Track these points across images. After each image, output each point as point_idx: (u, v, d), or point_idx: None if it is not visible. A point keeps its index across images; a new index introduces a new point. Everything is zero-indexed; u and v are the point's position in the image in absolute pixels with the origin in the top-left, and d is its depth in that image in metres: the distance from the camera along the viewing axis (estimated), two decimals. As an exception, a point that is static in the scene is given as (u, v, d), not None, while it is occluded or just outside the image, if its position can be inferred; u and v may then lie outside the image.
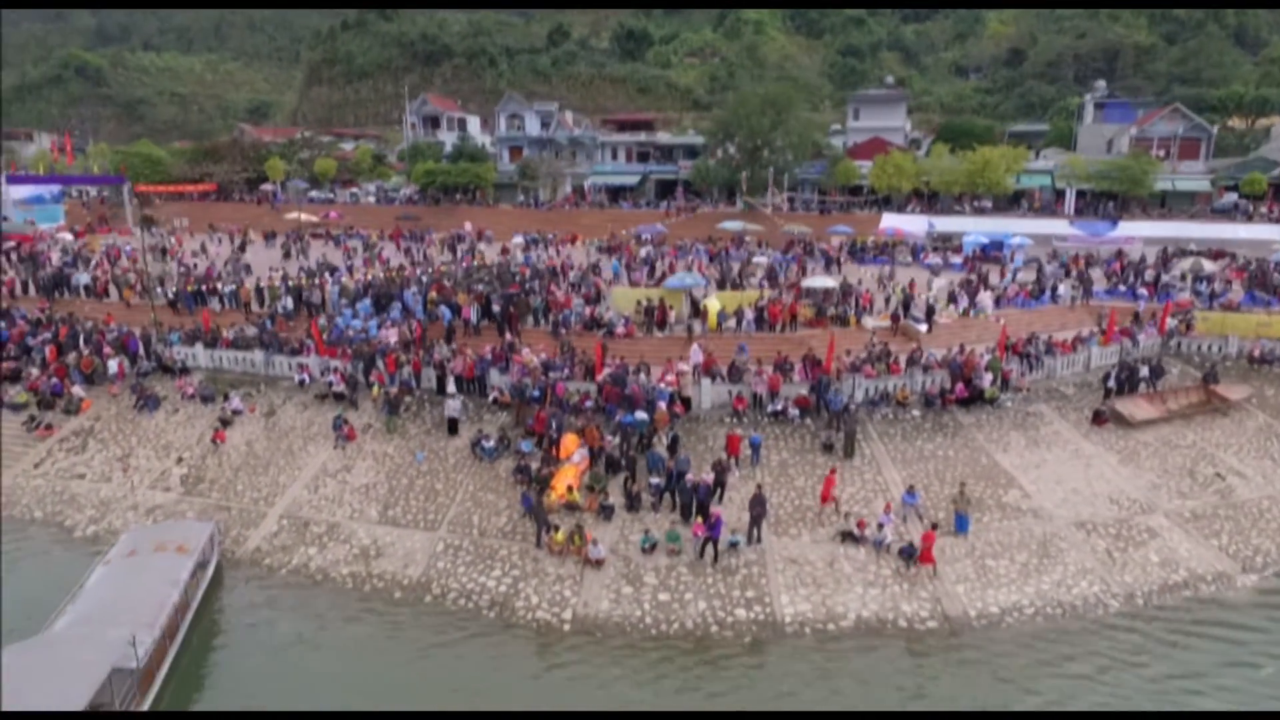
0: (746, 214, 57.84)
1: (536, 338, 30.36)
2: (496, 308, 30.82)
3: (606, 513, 21.33)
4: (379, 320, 31.09)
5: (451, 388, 26.06)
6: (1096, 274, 41.15)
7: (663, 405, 23.45)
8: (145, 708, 15.36)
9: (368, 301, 32.57)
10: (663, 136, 78.72)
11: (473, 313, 31.04)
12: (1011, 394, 26.88)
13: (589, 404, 24.49)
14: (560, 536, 20.43)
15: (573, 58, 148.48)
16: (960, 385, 25.90)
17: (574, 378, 25.46)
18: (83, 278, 37.69)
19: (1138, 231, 50.72)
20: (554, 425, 22.99)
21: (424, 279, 35.84)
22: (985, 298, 34.50)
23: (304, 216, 64.94)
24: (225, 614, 19.56)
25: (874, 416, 25.37)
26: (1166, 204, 59.46)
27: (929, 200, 60.52)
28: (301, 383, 27.40)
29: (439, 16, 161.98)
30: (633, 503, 21.43)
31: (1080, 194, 59.83)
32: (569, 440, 22.98)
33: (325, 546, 21.70)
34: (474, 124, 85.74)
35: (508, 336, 28.63)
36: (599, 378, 24.79)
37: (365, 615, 19.49)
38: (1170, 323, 31.90)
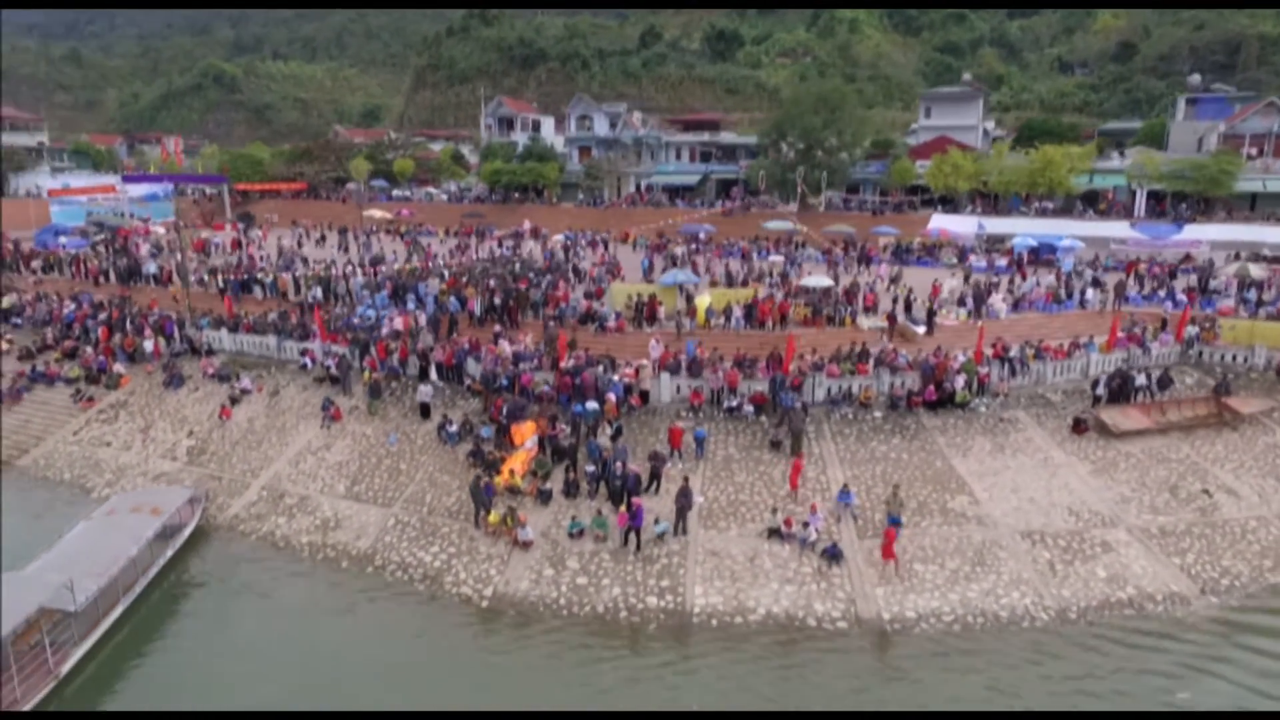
0: (796, 214, 57.49)
1: (538, 329, 31.46)
2: (498, 300, 32.10)
3: (544, 497, 22.21)
4: (394, 310, 32.93)
5: (434, 375, 27.49)
6: (1135, 280, 38.97)
7: (611, 396, 24.11)
8: (82, 650, 17.16)
9: (384, 293, 34.48)
10: (726, 136, 78.69)
11: (477, 305, 32.40)
12: (988, 398, 26.15)
13: (550, 394, 25.41)
14: (494, 518, 21.46)
15: (662, 59, 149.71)
16: (930, 388, 25.40)
17: (542, 368, 26.41)
18: (150, 267, 41.32)
19: (1205, 235, 47.50)
20: (506, 412, 24.02)
21: (445, 273, 37.59)
22: (995, 300, 33.45)
23: (379, 214, 68.78)
24: (190, 573, 21.47)
25: (833, 416, 25.23)
26: (1257, 206, 55.37)
27: (992, 201, 58.42)
28: (304, 366, 29.46)
29: (536, 21, 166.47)
30: (570, 489, 22.21)
31: (1158, 195, 56.42)
32: (524, 428, 23.97)
33: (293, 516, 23.48)
34: (548, 125, 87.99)
35: (496, 327, 29.82)
36: (563, 367, 25.65)
37: (310, 580, 21.10)
38: (1190, 330, 30.10)
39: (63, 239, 55.46)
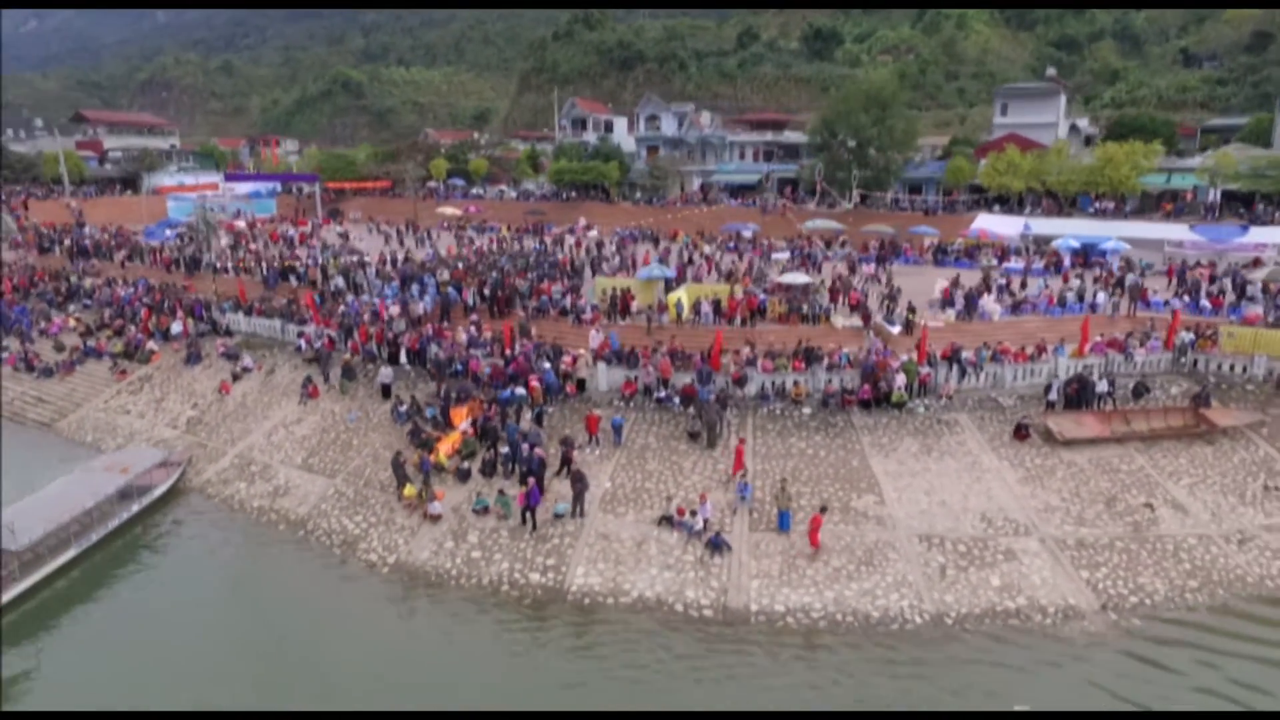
0: (839, 213, 56.80)
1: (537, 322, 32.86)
2: (486, 292, 33.74)
3: (463, 476, 23.51)
4: (403, 298, 35.12)
5: (403, 358, 29.32)
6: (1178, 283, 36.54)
7: (535, 382, 25.16)
8: (22, 587, 19.66)
9: (396, 283, 36.76)
10: (789, 135, 77.95)
11: (470, 295, 34.12)
12: (931, 399, 25.54)
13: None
14: (409, 491, 22.94)
15: (759, 59, 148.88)
16: (866, 387, 25.10)
17: (492, 354, 27.73)
18: (208, 257, 45.41)
19: (1274, 238, 43.82)
20: (444, 394, 25.48)
21: (457, 265, 39.64)
22: (987, 302, 32.36)
23: (450, 210, 72.33)
24: (156, 529, 23.88)
25: (760, 411, 25.32)
26: (1359, 209, 50.43)
27: (1057, 201, 55.62)
28: (298, 348, 31.95)
29: (637, 24, 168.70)
30: (487, 469, 23.39)
31: (1243, 197, 52.24)
32: (462, 410, 25.36)
33: (253, 483, 25.75)
34: (621, 125, 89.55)
35: (473, 316, 31.40)
36: (507, 354, 26.90)
37: (250, 541, 23.23)
38: (1184, 337, 28.23)
39: (167, 230, 61.33)
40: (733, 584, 19.92)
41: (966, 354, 26.33)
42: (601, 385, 26.37)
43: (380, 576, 21.13)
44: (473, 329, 29.42)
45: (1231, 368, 27.75)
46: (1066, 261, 44.47)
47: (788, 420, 25.02)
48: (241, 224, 62.45)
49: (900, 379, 25.08)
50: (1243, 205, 52.43)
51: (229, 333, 34.64)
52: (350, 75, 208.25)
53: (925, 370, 25.55)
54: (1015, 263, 45.63)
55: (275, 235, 59.36)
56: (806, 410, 25.17)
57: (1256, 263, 43.10)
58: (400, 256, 45.44)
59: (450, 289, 34.56)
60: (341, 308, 33.47)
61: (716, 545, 20.59)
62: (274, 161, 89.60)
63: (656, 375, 25.55)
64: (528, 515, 21.63)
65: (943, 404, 25.48)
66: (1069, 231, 48.14)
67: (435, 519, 22.28)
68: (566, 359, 26.76)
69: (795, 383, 25.38)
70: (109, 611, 19.94)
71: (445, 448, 24.30)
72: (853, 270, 41.77)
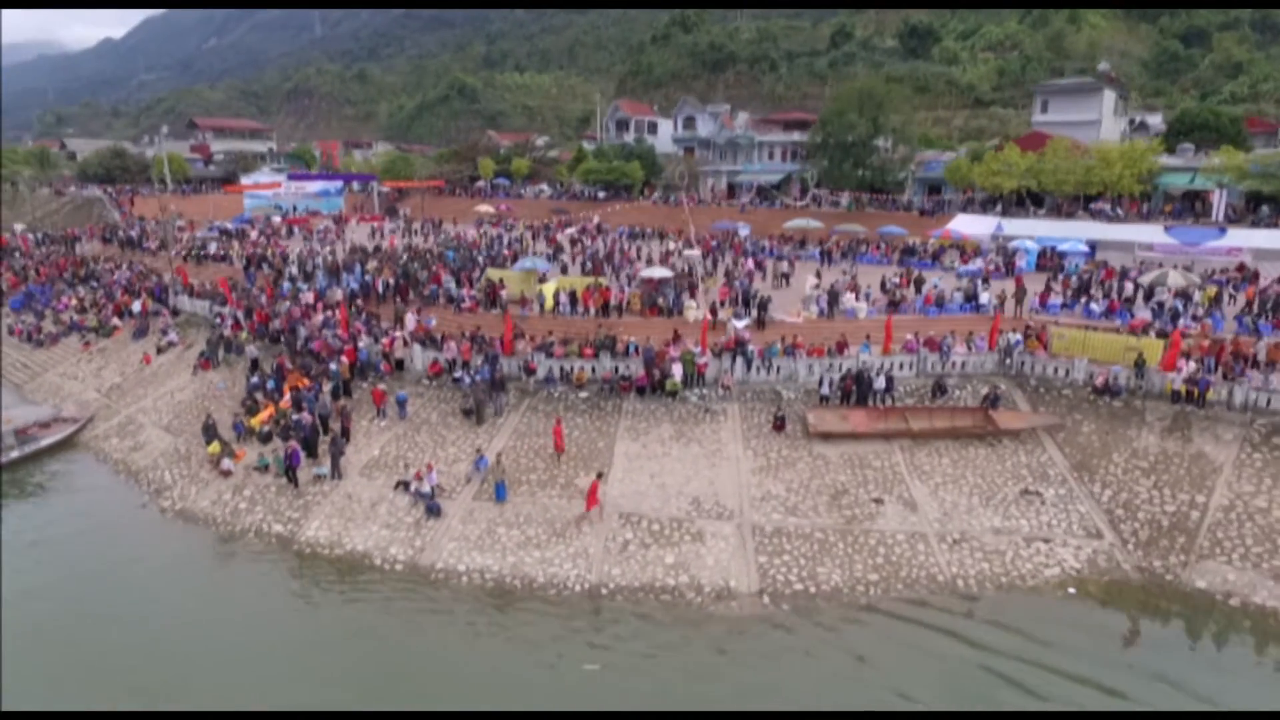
0: (842, 214, 56.48)
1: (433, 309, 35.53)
2: (391, 281, 36.68)
3: (264, 438, 26.36)
4: (330, 285, 38.62)
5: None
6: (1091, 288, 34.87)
7: (344, 359, 27.66)
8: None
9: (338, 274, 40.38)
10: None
11: (380, 284, 37.15)
12: (709, 388, 26.19)
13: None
14: (212, 449, 26.02)
15: (851, 59, 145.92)
16: (643, 374, 26.10)
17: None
18: (212, 247, 50.88)
19: (1250, 241, 40.49)
20: (275, 368, 28.47)
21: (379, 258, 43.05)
22: (850, 299, 32.25)
23: (485, 208, 76.58)
24: (31, 474, 27.92)
25: (540, 393, 26.75)
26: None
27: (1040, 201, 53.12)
28: (213, 325, 35.92)
29: (731, 26, 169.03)
30: (282, 433, 26.13)
31: (1265, 198, 48.09)
32: (291, 381, 28.28)
33: (123, 439, 29.67)
34: (666, 127, 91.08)
35: (363, 303, 34.42)
36: (345, 336, 29.60)
37: (98, 484, 26.99)
38: (1009, 338, 27.36)
39: (227, 223, 68.58)
40: (431, 544, 21.74)
41: (752, 347, 26.73)
42: (417, 365, 28.58)
43: (164, 519, 24.27)
44: (328, 312, 32.32)
45: (1055, 370, 26.71)
46: (1020, 263, 42.86)
47: (561, 403, 26.37)
48: (277, 219, 68.36)
49: (677, 369, 25.90)
50: (1268, 206, 48.29)
51: (175, 312, 39.18)
52: (466, 81, 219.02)
53: (702, 361, 26.22)
54: (975, 264, 44.33)
55: (310, 229, 65.01)
56: (584, 394, 26.42)
57: (1240, 268, 40.25)
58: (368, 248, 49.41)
59: (368, 278, 37.69)
60: (253, 291, 37.26)
61: (432, 510, 22.44)
62: (335, 163, 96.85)
63: (458, 357, 27.50)
64: (290, 474, 24.16)
65: (720, 394, 26.07)
66: (1037, 233, 46.26)
67: (226, 474, 25.23)
68: (385, 340, 29.16)
69: (578, 368, 26.68)
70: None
71: (263, 414, 27.24)
72: (791, 268, 41.98)
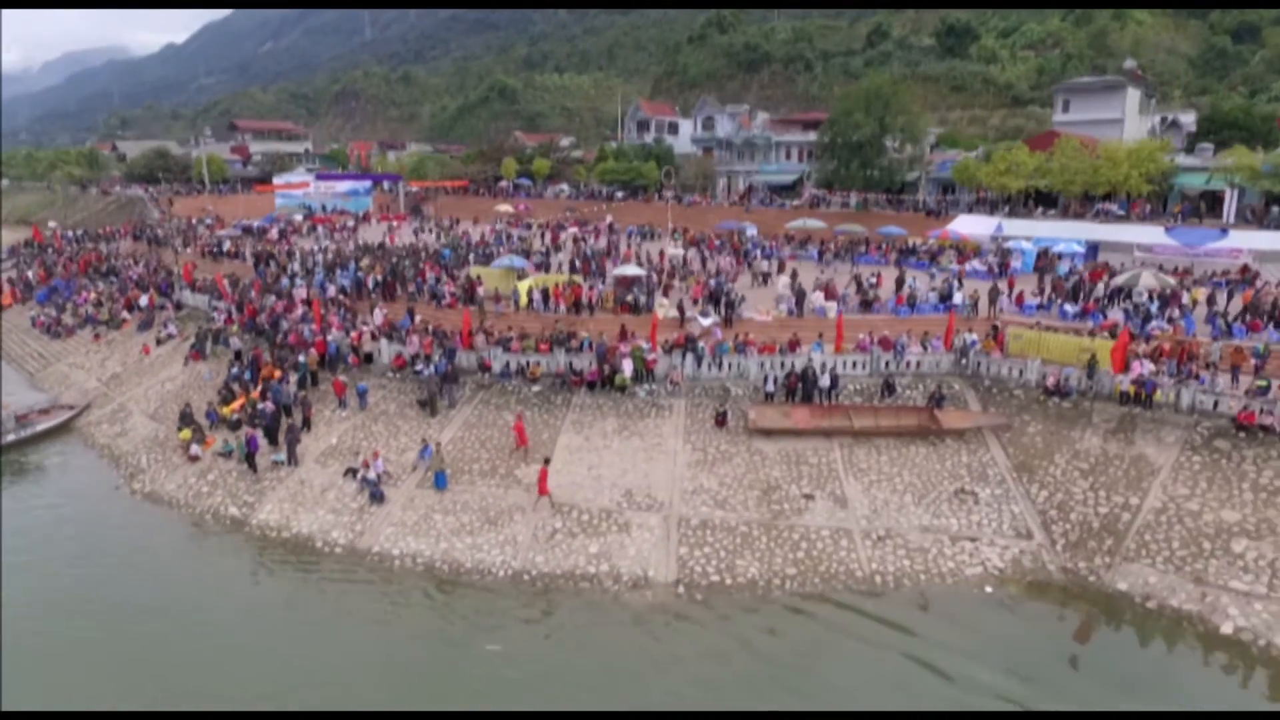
0: (851, 214, 56.34)
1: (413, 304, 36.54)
2: (378, 278, 37.82)
3: (233, 425, 27.53)
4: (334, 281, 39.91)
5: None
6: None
7: (313, 351, 28.71)
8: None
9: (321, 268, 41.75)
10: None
11: (371, 280, 38.34)
12: (658, 384, 26.60)
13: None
14: (183, 435, 27.26)
15: (886, 58, 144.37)
16: (595, 369, 26.63)
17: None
18: (226, 245, 52.80)
19: (1250, 243, 39.43)
20: (250, 360, 29.69)
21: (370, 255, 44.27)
22: (817, 298, 32.38)
23: (504, 208, 77.96)
24: (26, 456, 29.60)
25: (494, 386, 27.44)
26: None
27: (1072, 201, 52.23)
28: (210, 318, 37.43)
29: (766, 26, 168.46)
30: (249, 421, 27.27)
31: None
32: (265, 370, 29.46)
33: (113, 425, 31.17)
34: (686, 126, 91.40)
35: (346, 299, 35.56)
36: (318, 329, 30.69)
37: (84, 467, 28.46)
38: (965, 339, 27.26)
39: (253, 221, 70.92)
40: (370, 529, 22.58)
41: (703, 344, 27.08)
42: (384, 358, 29.52)
43: (134, 500, 25.57)
44: (303, 307, 33.50)
45: (1009, 371, 26.55)
46: (1016, 264, 42.42)
47: (514, 396, 27.05)
48: (299, 217, 70.43)
49: (628, 365, 26.38)
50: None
51: (179, 306, 40.87)
52: (506, 82, 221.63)
53: (651, 357, 26.64)
54: (971, 265, 43.99)
55: (334, 227, 67.00)
56: (536, 388, 27.06)
57: (1244, 270, 39.26)
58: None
59: (360, 274, 38.92)
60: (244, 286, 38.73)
61: (376, 496, 23.29)
62: (364, 163, 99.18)
63: (420, 350, 28.37)
64: (249, 460, 25.25)
65: (669, 389, 26.48)
66: (1039, 234, 45.62)
67: (194, 460, 26.45)
68: (354, 334, 30.16)
69: (532, 363, 27.33)
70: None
71: (236, 404, 28.45)
72: (781, 269, 42.11)
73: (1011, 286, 36.45)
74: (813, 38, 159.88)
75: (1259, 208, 48.48)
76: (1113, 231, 44.48)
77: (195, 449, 26.56)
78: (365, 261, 41.88)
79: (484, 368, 27.61)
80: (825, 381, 25.66)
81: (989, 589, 19.92)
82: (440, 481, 23.45)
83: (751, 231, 55.40)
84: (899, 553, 21.03)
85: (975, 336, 27.32)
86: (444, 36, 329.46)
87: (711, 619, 18.88)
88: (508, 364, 27.63)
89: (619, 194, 79.12)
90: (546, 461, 23.35)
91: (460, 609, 19.43)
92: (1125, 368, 24.45)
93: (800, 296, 32.36)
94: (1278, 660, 16.94)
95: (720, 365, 27.08)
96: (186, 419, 27.72)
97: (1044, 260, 42.68)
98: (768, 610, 19.14)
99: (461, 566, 21.11)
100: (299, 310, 33.19)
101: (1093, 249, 44.93)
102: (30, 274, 52.92)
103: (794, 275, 37.14)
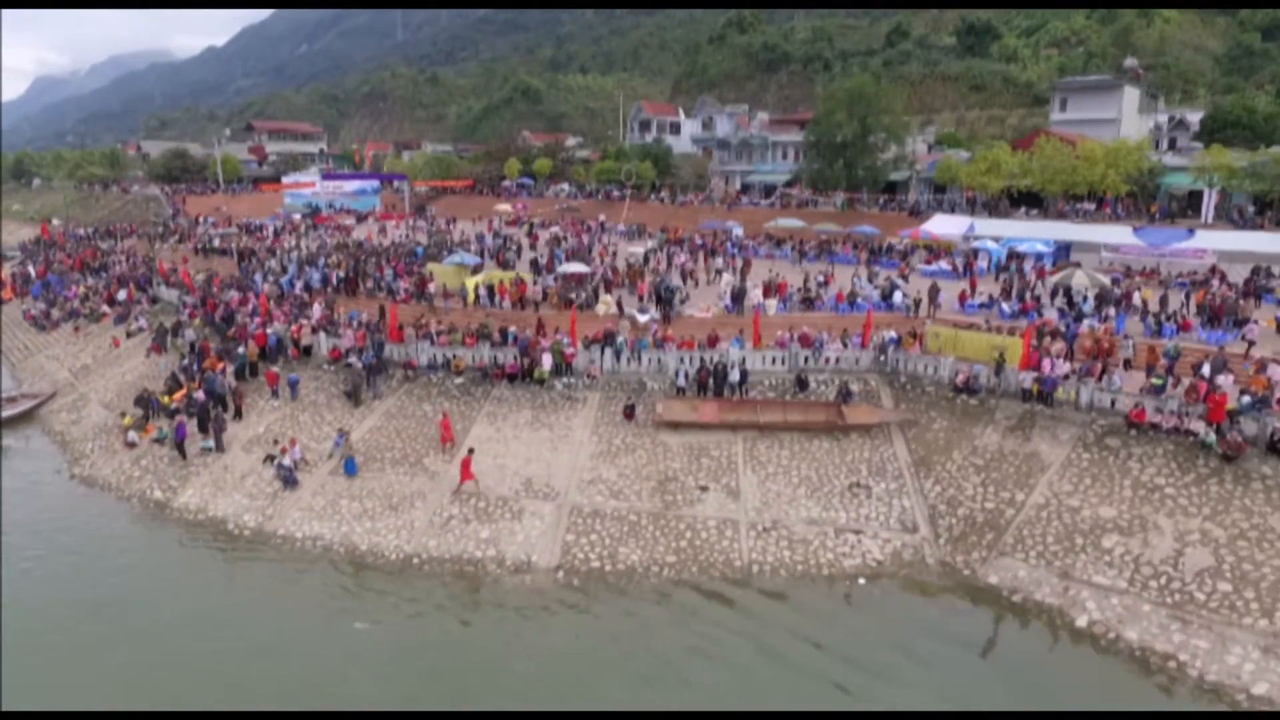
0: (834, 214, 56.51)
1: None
2: (341, 274, 38.88)
3: (171, 413, 28.58)
4: (303, 277, 41.09)
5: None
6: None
7: (253, 343, 29.70)
8: None
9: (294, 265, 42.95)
10: (825, 136, 76.62)
11: (334, 277, 39.40)
12: (577, 377, 27.14)
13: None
14: (126, 421, 28.39)
15: (906, 57, 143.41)
16: (514, 362, 27.27)
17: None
18: (215, 240, 54.39)
19: (1214, 244, 38.90)
20: (195, 349, 30.79)
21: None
22: (755, 295, 32.70)
23: (503, 207, 79.06)
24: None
25: (418, 379, 28.18)
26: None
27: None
28: (177, 312, 38.71)
29: (785, 26, 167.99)
30: (186, 409, 28.32)
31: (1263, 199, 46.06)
32: (208, 362, 30.55)
33: (70, 413, 32.47)
34: (689, 126, 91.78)
35: (310, 295, 36.62)
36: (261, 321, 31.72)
37: (40, 450, 29.73)
38: (884, 335, 27.43)
39: (255, 220, 72.68)
40: (280, 513, 23.43)
41: (621, 339, 27.57)
42: (322, 350, 30.44)
43: (70, 483, 26.72)
44: (253, 300, 34.59)
45: (925, 368, 26.68)
46: (982, 264, 42.35)
47: (436, 388, 27.77)
48: (297, 216, 72.07)
49: (547, 358, 26.97)
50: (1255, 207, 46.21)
51: (155, 300, 42.29)
52: (530, 83, 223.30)
53: (570, 351, 27.19)
54: (938, 265, 43.99)
55: (335, 226, 68.58)
56: (459, 380, 27.76)
57: (1213, 270, 38.78)
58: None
59: (327, 271, 40.02)
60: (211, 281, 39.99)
61: (289, 482, 24.15)
62: (368, 164, 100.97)
63: (354, 344, 29.22)
64: (178, 446, 26.27)
65: (586, 383, 27.02)
66: (1010, 234, 45.38)
67: (132, 446, 27.55)
68: (294, 328, 31.12)
69: (456, 357, 28.04)
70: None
71: (179, 394, 29.53)
72: (748, 266, 42.41)
73: (974, 287, 36.43)
74: (832, 37, 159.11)
75: (1245, 208, 47.73)
76: (1084, 231, 44.16)
77: (133, 435, 27.65)
78: (334, 259, 42.95)
79: (407, 366, 28.34)
80: (735, 376, 26.02)
81: (861, 581, 20.19)
82: (350, 468, 24.25)
83: (739, 231, 55.76)
84: (781, 544, 21.35)
85: (894, 334, 27.46)
86: (474, 38, 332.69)
87: (580, 602, 19.40)
88: (435, 357, 28.36)
89: (616, 193, 79.67)
90: (470, 451, 23.99)
91: (346, 589, 20.14)
92: (1032, 365, 24.49)
93: (740, 294, 32.65)
94: (1123, 652, 17.03)
95: (639, 360, 27.53)
96: (143, 404, 28.82)
97: (1012, 260, 42.53)
98: (635, 596, 19.60)
99: (357, 549, 21.86)
100: (251, 304, 34.25)
101: (1065, 249, 44.62)
102: (30, 269, 54.93)
103: (740, 273, 37.45)
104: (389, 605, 19.53)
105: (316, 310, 32.31)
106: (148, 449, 27.36)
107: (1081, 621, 17.94)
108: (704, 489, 23.09)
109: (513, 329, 28.71)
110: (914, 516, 22.05)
